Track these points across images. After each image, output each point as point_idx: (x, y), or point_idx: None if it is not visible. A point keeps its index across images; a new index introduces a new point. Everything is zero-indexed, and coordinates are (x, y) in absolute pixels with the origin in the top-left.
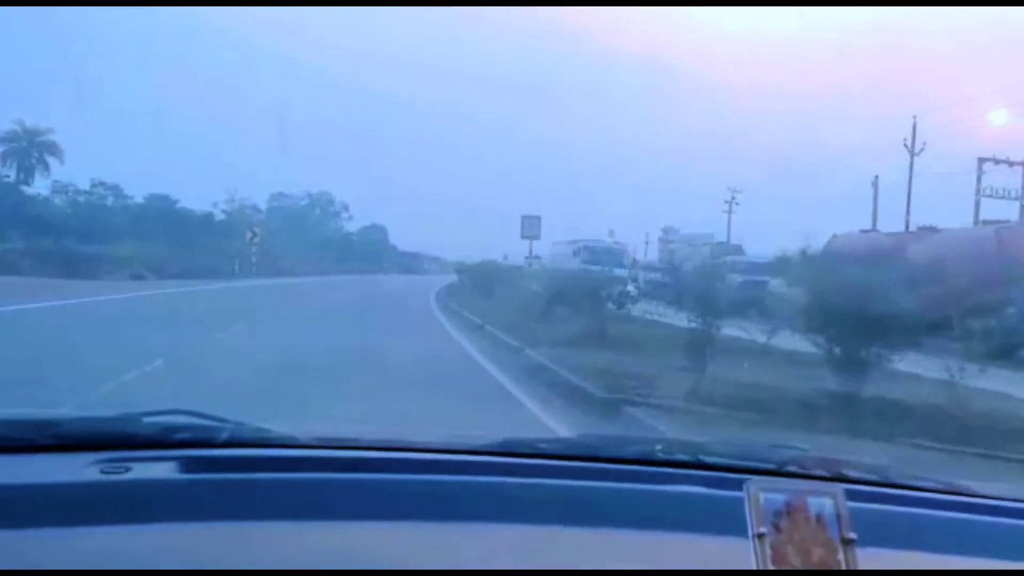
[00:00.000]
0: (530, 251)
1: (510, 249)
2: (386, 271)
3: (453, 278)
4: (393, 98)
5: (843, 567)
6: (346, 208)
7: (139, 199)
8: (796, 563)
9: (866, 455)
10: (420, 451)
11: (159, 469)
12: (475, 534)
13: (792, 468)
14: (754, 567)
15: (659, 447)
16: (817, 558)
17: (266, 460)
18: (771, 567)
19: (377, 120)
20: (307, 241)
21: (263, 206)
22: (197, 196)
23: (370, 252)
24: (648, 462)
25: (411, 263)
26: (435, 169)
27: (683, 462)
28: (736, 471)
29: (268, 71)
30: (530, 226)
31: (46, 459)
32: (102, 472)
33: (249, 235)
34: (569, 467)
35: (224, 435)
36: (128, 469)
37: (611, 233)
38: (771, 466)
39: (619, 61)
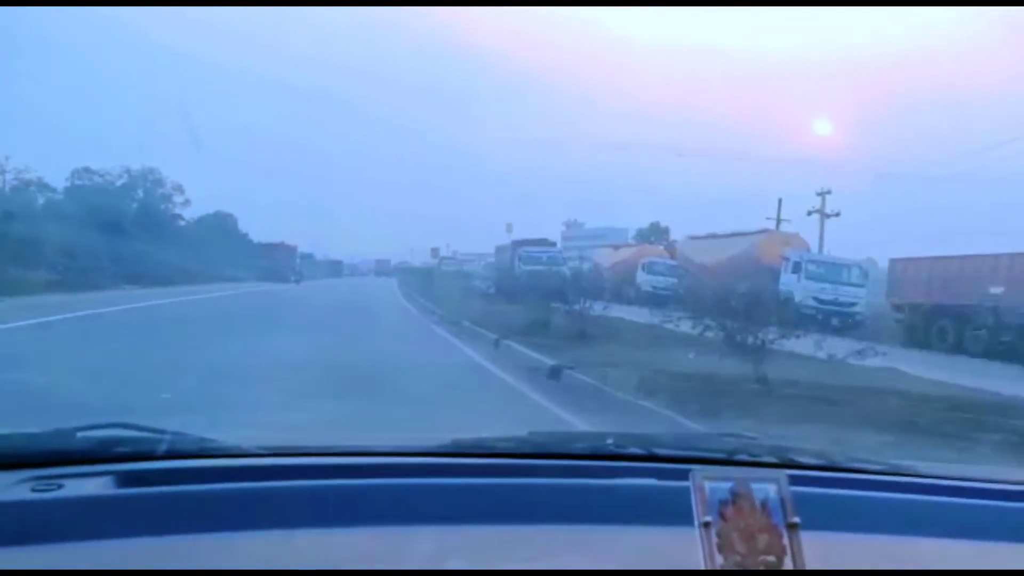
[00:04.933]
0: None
1: (395, 246)
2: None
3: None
4: (232, 64)
5: (788, 551)
6: (180, 190)
7: None
8: (742, 550)
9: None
10: (367, 455)
11: (94, 485)
12: (424, 537)
13: (741, 456)
14: (700, 556)
15: (610, 441)
16: (762, 544)
17: (208, 471)
18: (717, 555)
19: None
20: (121, 232)
21: (60, 184)
22: None
23: (216, 246)
24: (599, 456)
25: (273, 260)
26: (304, 152)
27: (633, 455)
28: (686, 461)
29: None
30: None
31: None
32: (32, 490)
33: None
34: (519, 465)
35: (163, 447)
36: (60, 486)
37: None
38: (720, 455)
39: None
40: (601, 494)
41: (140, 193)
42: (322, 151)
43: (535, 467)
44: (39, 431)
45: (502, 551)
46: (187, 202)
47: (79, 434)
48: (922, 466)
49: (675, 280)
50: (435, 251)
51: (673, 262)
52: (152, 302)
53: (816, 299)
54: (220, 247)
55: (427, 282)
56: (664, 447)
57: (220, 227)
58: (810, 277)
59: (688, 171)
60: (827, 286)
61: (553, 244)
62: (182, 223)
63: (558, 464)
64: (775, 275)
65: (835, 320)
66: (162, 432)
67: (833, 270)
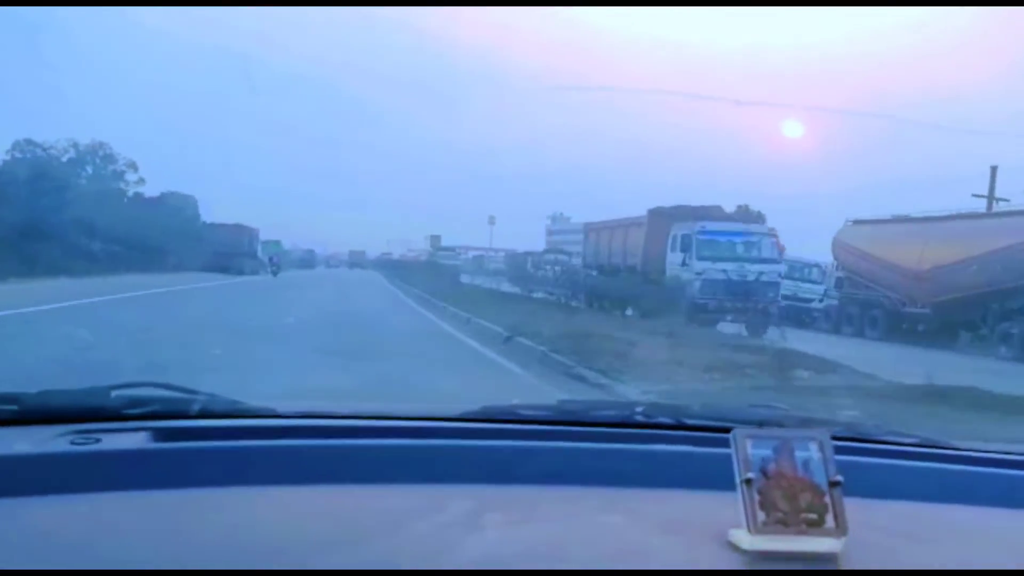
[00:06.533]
0: None
1: (369, 238)
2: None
3: None
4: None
5: (830, 509)
6: (134, 167)
7: None
8: (784, 507)
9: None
10: (400, 419)
11: (130, 440)
12: (461, 494)
13: (772, 427)
14: (741, 512)
15: (639, 410)
16: (804, 502)
17: (241, 429)
18: (759, 512)
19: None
20: (67, 212)
21: None
22: None
23: (160, 230)
24: (629, 424)
25: (227, 245)
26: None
27: (663, 424)
28: (716, 431)
29: None
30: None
31: (12, 432)
32: (72, 443)
33: None
34: (550, 430)
35: (196, 407)
36: (98, 440)
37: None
38: (751, 425)
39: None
40: (635, 459)
41: (89, 170)
42: (297, 138)
43: (566, 432)
44: (76, 388)
45: (540, 509)
46: (141, 180)
47: (114, 392)
48: (955, 440)
49: (817, 286)
50: (435, 239)
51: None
52: None
53: None
54: (165, 231)
55: (434, 280)
56: (694, 417)
57: (172, 209)
58: None
59: (683, 164)
60: None
61: (752, 213)
62: (125, 201)
63: (589, 431)
64: None
65: None
66: (195, 392)
67: None
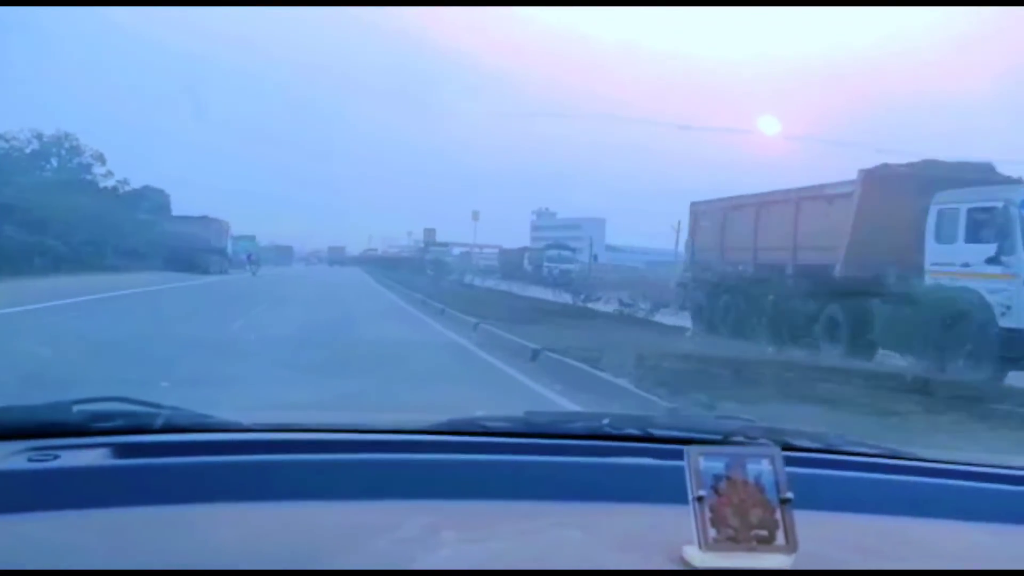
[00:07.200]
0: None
1: (349, 234)
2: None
3: None
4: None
5: (780, 526)
6: (101, 160)
7: None
8: (735, 524)
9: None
10: (365, 432)
11: (90, 456)
12: (419, 510)
13: (737, 438)
14: (694, 531)
15: (606, 421)
16: (755, 519)
17: (204, 444)
18: (710, 529)
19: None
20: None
21: None
22: None
23: (142, 226)
24: (595, 436)
25: (191, 239)
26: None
27: (630, 435)
28: (682, 442)
29: None
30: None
31: None
32: (29, 460)
33: None
34: (515, 443)
35: (159, 421)
36: (56, 457)
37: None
38: (717, 436)
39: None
40: (597, 472)
41: (54, 162)
42: (274, 134)
43: (531, 446)
44: (37, 404)
45: (497, 525)
46: (109, 174)
47: (76, 407)
48: (922, 451)
49: None
50: (429, 232)
51: None
52: None
53: None
54: (131, 227)
55: (432, 281)
56: (660, 428)
57: (141, 203)
58: None
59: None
60: None
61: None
62: (87, 192)
63: (554, 443)
64: None
65: None
66: (159, 406)
67: None
